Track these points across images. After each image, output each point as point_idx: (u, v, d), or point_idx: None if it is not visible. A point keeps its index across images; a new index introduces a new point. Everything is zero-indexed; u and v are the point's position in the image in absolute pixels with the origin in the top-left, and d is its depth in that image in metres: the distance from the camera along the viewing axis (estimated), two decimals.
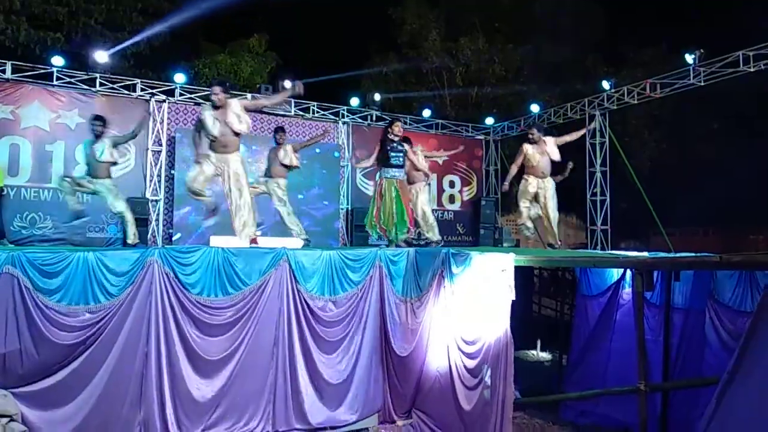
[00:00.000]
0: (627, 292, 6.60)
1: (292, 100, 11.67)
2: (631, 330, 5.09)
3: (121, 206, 6.91)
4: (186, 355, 5.04)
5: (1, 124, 9.25)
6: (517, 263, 4.77)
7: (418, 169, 7.78)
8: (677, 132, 16.76)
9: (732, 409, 3.30)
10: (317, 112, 12.04)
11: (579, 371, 6.98)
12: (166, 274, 4.95)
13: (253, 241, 6.01)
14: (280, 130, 7.85)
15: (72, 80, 9.87)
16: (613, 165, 11.87)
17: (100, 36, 13.30)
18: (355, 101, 12.30)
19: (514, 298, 4.67)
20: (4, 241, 7.22)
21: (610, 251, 9.92)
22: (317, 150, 11.58)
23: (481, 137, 14.33)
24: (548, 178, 7.76)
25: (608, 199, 11.75)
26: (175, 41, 15.08)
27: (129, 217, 6.98)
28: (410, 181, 7.67)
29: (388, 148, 7.11)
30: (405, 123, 13.05)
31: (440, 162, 13.12)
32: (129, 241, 6.99)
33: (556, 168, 8.05)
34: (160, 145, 10.46)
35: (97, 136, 6.81)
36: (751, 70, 9.08)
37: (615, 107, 11.46)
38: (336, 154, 12.11)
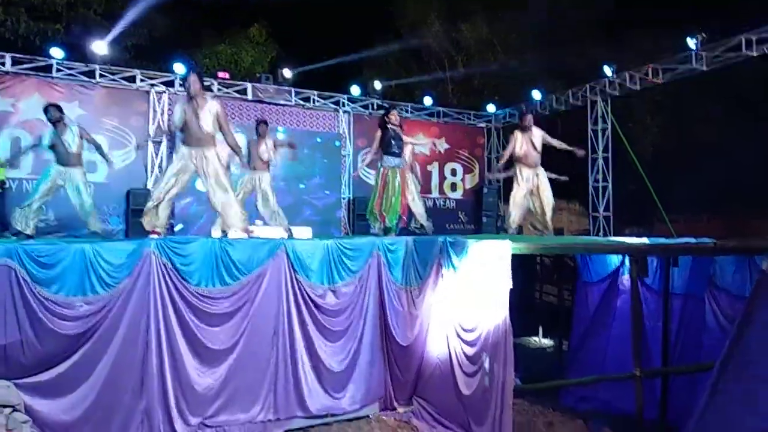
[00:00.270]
0: (626, 278, 6.59)
1: (293, 89, 11.65)
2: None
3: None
4: (187, 345, 5.07)
5: (2, 117, 9.28)
6: (514, 251, 4.76)
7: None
8: (680, 117, 16.61)
9: (727, 394, 3.31)
10: (317, 101, 12.02)
11: (579, 357, 6.98)
12: (164, 265, 4.96)
13: (249, 231, 6.03)
14: (263, 123, 7.80)
15: (72, 72, 9.87)
16: (616, 151, 11.81)
17: (100, 27, 13.28)
18: (356, 90, 12.25)
19: (511, 286, 4.67)
20: (7, 234, 7.25)
21: (612, 238, 9.90)
22: (318, 139, 11.58)
23: (483, 125, 14.27)
24: (539, 167, 7.80)
25: (610, 186, 11.71)
26: (175, 32, 15.06)
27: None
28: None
29: (391, 136, 7.11)
30: (406, 111, 13.03)
31: (442, 150, 13.08)
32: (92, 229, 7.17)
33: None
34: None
35: (54, 123, 6.82)
36: (754, 54, 8.96)
37: (617, 93, 11.39)
38: (337, 143, 12.09)
